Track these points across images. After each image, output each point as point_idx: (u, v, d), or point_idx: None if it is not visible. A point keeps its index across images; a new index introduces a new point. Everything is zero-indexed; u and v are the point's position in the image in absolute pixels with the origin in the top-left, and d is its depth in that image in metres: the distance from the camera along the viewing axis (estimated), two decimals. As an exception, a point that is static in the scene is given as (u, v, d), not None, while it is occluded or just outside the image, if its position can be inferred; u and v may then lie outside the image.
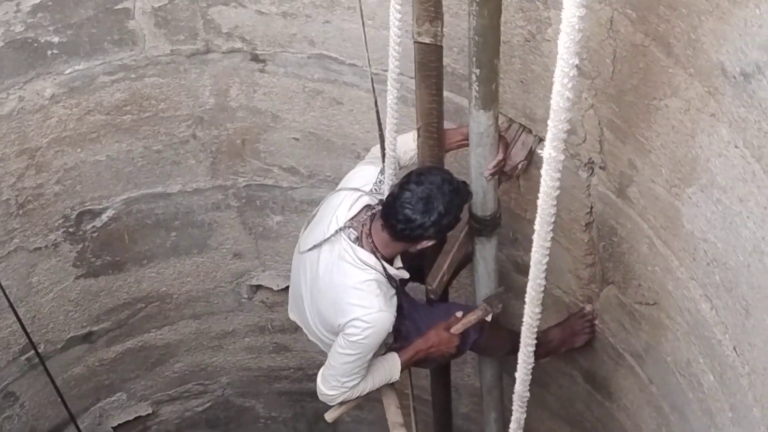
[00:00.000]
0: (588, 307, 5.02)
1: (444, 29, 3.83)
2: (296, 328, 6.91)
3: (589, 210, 4.49)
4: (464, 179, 4.27)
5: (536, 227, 3.08)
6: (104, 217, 5.87)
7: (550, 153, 2.78)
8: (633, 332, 4.67)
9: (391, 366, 4.65)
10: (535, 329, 3.57)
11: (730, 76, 3.09)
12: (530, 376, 3.82)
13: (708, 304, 3.80)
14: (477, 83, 3.70)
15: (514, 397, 3.93)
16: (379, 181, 4.44)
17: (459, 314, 4.65)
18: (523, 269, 5.03)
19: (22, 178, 5.37)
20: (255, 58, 5.14)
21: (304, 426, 8.29)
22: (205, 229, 6.22)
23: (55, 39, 4.89)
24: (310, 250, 4.47)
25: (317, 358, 7.20)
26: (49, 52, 4.92)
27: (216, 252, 6.42)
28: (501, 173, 4.35)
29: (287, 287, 6.52)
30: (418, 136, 4.29)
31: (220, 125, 5.53)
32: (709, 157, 3.40)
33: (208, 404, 7.82)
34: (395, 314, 4.37)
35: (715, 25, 3.08)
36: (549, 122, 2.73)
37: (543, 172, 2.87)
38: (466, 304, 5.21)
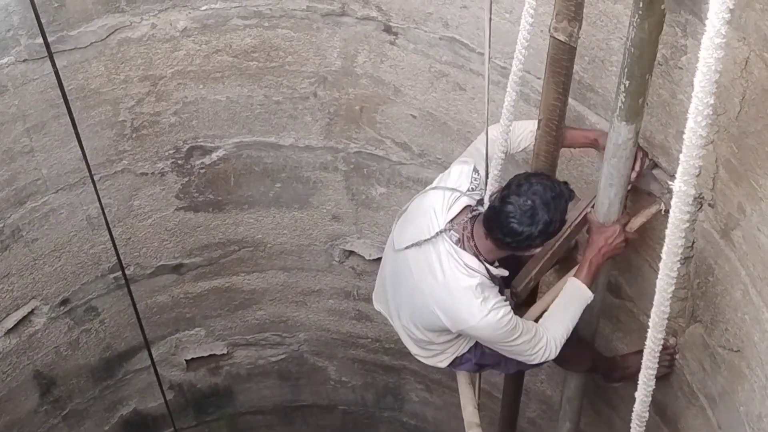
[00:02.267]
0: (671, 341, 4.94)
1: (580, 34, 3.80)
2: (380, 301, 6.98)
3: (690, 245, 4.40)
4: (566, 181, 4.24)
5: (663, 256, 3.09)
6: (214, 156, 5.94)
7: (680, 187, 2.77)
8: (711, 374, 4.58)
9: (578, 294, 4.51)
10: (657, 354, 3.57)
11: None
12: (650, 398, 3.83)
13: (790, 364, 3.72)
14: (624, 94, 3.66)
15: (633, 415, 3.96)
16: (474, 179, 4.39)
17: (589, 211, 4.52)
18: (614, 289, 4.98)
19: (141, 103, 5.46)
20: (387, 30, 5.13)
21: (372, 396, 8.31)
22: (309, 187, 6.25)
23: (196, -26, 4.96)
24: (406, 248, 4.43)
25: (396, 334, 7.21)
26: (188, -14, 4.99)
27: (316, 211, 6.44)
28: None
29: (379, 258, 6.56)
30: (538, 128, 4.26)
31: (342, 89, 5.54)
32: (817, 219, 3.32)
33: (282, 356, 7.87)
34: (505, 300, 4.31)
35: None
36: (681, 156, 2.71)
37: (673, 204, 2.85)
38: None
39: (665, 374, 5.03)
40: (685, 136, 2.71)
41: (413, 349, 4.83)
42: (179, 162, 5.89)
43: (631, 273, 4.95)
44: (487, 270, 4.26)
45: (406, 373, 7.78)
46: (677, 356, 4.94)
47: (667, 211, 4.39)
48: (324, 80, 5.51)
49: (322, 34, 5.24)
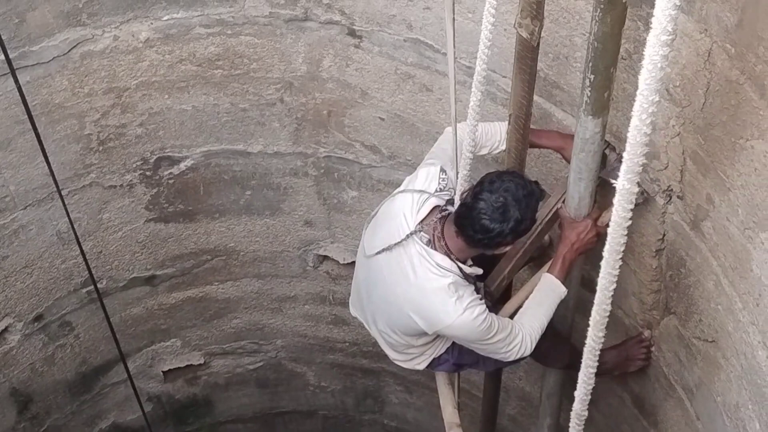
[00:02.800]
0: (646, 333, 4.95)
1: (542, 32, 3.80)
2: (356, 305, 6.96)
3: (661, 237, 4.42)
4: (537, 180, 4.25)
5: (605, 254, 3.04)
6: (182, 165, 5.91)
7: (623, 185, 2.73)
8: (687, 366, 4.59)
9: (552, 289, 4.53)
10: (598, 352, 3.53)
11: (818, 130, 3.02)
12: (589, 396, 3.79)
13: (765, 352, 3.72)
14: (590, 89, 3.66)
15: (572, 414, 3.91)
16: (442, 180, 4.39)
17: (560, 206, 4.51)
18: (587, 283, 4.98)
19: (107, 116, 5.43)
20: (352, 33, 5.12)
21: (351, 400, 8.30)
22: (280, 193, 6.23)
23: (157, -16, 4.94)
24: (378, 253, 4.43)
25: (373, 337, 7.21)
26: (150, -4, 4.97)
27: (288, 217, 6.43)
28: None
29: (353, 262, 6.55)
30: (509, 123, 4.26)
31: (309, 93, 5.53)
32: (787, 207, 3.33)
33: (260, 364, 7.85)
34: (480, 299, 4.31)
35: (811, 76, 3.01)
36: (624, 155, 2.67)
37: (615, 202, 2.82)
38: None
39: (642, 366, 5.05)
40: (629, 135, 2.69)
41: (391, 354, 4.82)
42: (147, 173, 5.86)
43: (604, 267, 4.95)
44: (460, 269, 4.25)
45: (385, 376, 7.78)
46: (653, 348, 4.95)
47: (637, 204, 4.42)
48: (290, 86, 5.49)
49: (286, 40, 5.23)
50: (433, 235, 4.25)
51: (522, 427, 7.13)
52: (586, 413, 3.85)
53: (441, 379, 5.14)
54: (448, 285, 4.20)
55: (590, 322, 3.37)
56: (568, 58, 4.36)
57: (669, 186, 4.18)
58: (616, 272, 3.11)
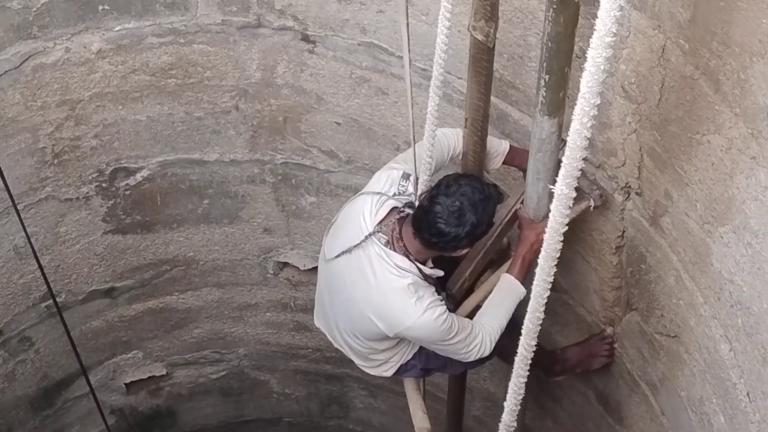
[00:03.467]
0: (609, 330, 4.97)
1: (497, 33, 3.80)
2: (319, 311, 6.94)
3: (621, 234, 4.43)
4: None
5: (540, 261, 3.05)
6: (138, 176, 5.87)
7: (561, 189, 2.73)
8: (651, 361, 4.61)
9: (512, 290, 4.51)
10: (530, 361, 3.56)
11: (775, 121, 3.03)
12: (519, 407, 3.81)
13: (727, 346, 3.75)
14: (545, 89, 3.66)
15: (501, 425, 3.95)
16: (402, 185, 4.38)
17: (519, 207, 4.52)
18: (553, 286, 4.98)
19: (61, 129, 5.38)
20: (305, 39, 5.11)
21: (316, 406, 8.29)
22: (238, 201, 6.21)
23: (108, -6, 4.90)
24: (337, 257, 4.41)
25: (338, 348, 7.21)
26: (101, 8, 4.92)
27: (246, 224, 6.40)
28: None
29: (314, 268, 6.54)
30: (465, 126, 4.26)
31: (264, 100, 5.51)
32: (745, 200, 3.34)
33: (222, 373, 7.82)
34: (441, 300, 4.30)
35: (765, 69, 3.02)
36: (564, 159, 2.68)
37: (553, 207, 2.83)
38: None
39: (606, 363, 5.07)
40: (569, 139, 2.69)
41: (358, 362, 4.81)
42: (103, 185, 5.81)
43: (564, 266, 4.96)
44: (420, 270, 4.25)
45: (349, 381, 7.77)
46: (616, 345, 4.96)
47: (596, 207, 4.44)
48: (245, 93, 5.47)
49: (240, 47, 5.20)
50: (392, 236, 4.24)
51: (487, 428, 7.13)
52: (515, 425, 3.89)
53: (409, 385, 5.12)
54: (407, 286, 4.19)
55: (522, 331, 3.39)
56: (522, 58, 4.37)
57: (627, 183, 4.20)
58: (551, 279, 3.13)
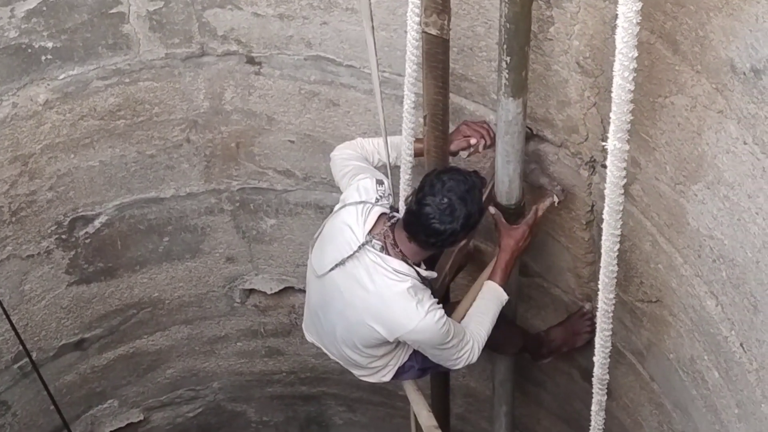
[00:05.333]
0: (587, 306, 5.02)
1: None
2: (289, 332, 6.95)
3: (590, 208, 4.48)
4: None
5: (605, 217, 3.14)
6: (97, 223, 5.83)
7: (615, 144, 2.84)
8: (634, 330, 4.66)
9: (496, 296, 4.58)
10: (611, 314, 3.64)
11: (740, 72, 3.09)
12: (608, 359, 3.94)
13: (713, 301, 3.79)
14: (507, 71, 3.71)
15: (594, 380, 4.07)
16: (379, 190, 4.40)
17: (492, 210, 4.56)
18: (522, 269, 5.04)
19: (16, 185, 5.33)
20: (251, 61, 5.11)
21: (295, 429, 8.27)
22: (198, 234, 6.19)
23: (49, 44, 4.86)
24: (330, 270, 4.41)
25: (310, 362, 7.21)
26: (43, 58, 4.89)
27: (209, 256, 6.38)
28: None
29: (281, 290, 6.54)
30: (425, 124, 4.29)
31: (215, 128, 5.50)
32: (716, 154, 3.40)
33: (199, 410, 7.78)
34: (438, 303, 4.33)
35: (725, 22, 3.08)
36: (612, 114, 2.77)
37: (609, 162, 2.91)
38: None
39: (589, 340, 5.11)
40: (613, 95, 2.77)
41: (356, 372, 4.83)
42: (63, 237, 5.77)
43: (535, 249, 5.01)
44: (417, 273, 4.28)
45: (326, 398, 7.77)
46: (596, 320, 5.00)
47: (560, 202, 4.51)
48: (195, 124, 5.46)
49: (185, 79, 5.20)
50: (386, 242, 4.26)
51: (471, 424, 7.15)
52: (607, 376, 4.00)
53: (409, 387, 5.18)
54: (407, 289, 4.22)
55: (600, 286, 3.66)
56: (473, 49, 4.41)
57: (591, 157, 4.24)
58: (619, 232, 3.36)
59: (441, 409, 5.87)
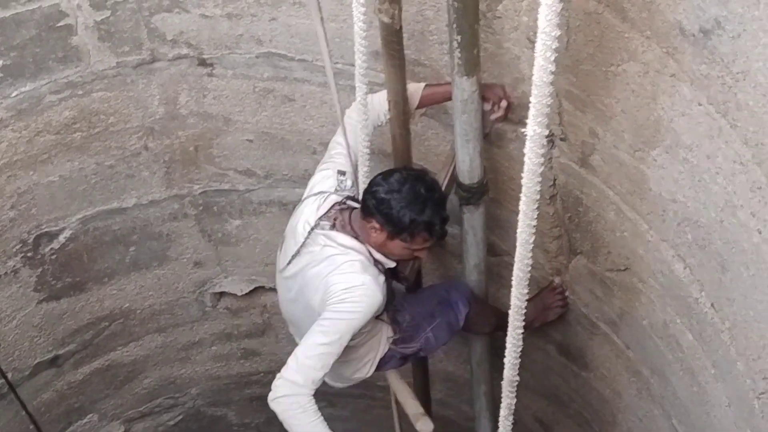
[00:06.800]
0: (557, 280, 5.04)
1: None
2: (263, 332, 6.96)
3: (552, 183, 4.49)
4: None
5: (521, 207, 3.12)
6: (61, 238, 5.79)
7: (534, 130, 2.81)
8: (606, 300, 4.68)
9: None
10: (524, 311, 3.61)
11: (689, 34, 3.10)
12: (519, 360, 3.86)
13: (681, 264, 3.82)
14: (459, 50, 3.72)
15: (504, 383, 3.97)
16: (340, 181, 4.41)
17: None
18: (489, 249, 5.04)
19: (-23, 207, 5.31)
20: (202, 63, 5.10)
21: (277, 429, 8.23)
22: (163, 241, 6.17)
23: (-1, 62, 4.84)
24: (288, 264, 4.42)
25: (285, 359, 7.19)
26: (-6, 77, 4.87)
27: (176, 263, 6.37)
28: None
29: (251, 291, 6.54)
30: (389, 109, 4.32)
31: (172, 134, 5.48)
32: (672, 118, 3.42)
33: (179, 417, 7.76)
34: (385, 295, 4.30)
35: (671, -15, 3.10)
36: (531, 98, 2.75)
37: (527, 149, 2.90)
38: (447, 282, 5.33)
39: (561, 314, 5.14)
40: (534, 77, 2.76)
41: (337, 385, 4.85)
42: (28, 255, 5.73)
43: (501, 228, 5.04)
44: (369, 252, 4.28)
45: (306, 396, 7.75)
46: (567, 293, 5.04)
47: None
48: (151, 131, 5.44)
49: (138, 86, 5.17)
50: (335, 222, 4.27)
51: (452, 408, 7.17)
52: (517, 378, 3.96)
53: (392, 377, 5.19)
54: (351, 261, 4.22)
55: (513, 281, 3.47)
56: (423, 33, 4.41)
57: (550, 131, 4.26)
58: (534, 223, 3.29)
59: (423, 393, 5.90)
